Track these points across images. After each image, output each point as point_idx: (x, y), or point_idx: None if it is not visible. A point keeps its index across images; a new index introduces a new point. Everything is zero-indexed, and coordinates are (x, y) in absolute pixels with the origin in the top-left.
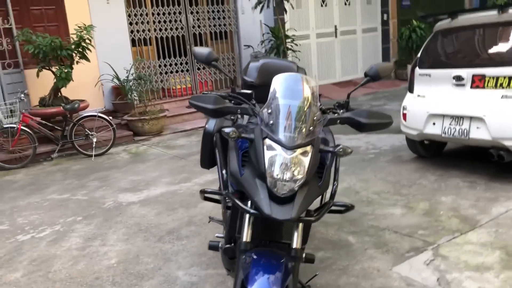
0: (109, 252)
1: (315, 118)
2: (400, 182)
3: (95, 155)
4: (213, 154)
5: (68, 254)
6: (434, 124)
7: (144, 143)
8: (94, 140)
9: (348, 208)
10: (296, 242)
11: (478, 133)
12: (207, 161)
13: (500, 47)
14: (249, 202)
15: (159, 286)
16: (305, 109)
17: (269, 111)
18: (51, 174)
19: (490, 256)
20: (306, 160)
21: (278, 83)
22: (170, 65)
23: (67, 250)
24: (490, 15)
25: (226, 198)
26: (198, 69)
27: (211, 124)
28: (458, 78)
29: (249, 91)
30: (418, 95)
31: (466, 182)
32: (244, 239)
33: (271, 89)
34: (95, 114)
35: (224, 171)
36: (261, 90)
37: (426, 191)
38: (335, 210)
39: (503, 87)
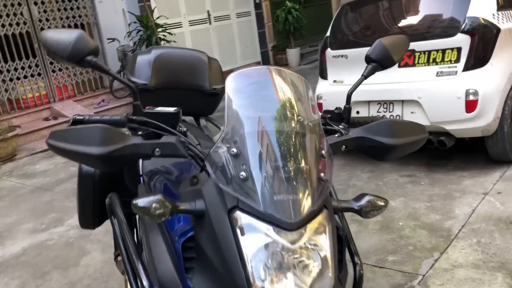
0: None
1: (320, 144)
2: None
3: None
4: (99, 206)
5: None
6: (358, 112)
7: None
8: None
9: None
10: None
11: (414, 119)
12: (91, 218)
13: (428, 16)
14: None
15: None
16: (297, 129)
17: (233, 149)
18: None
19: (494, 282)
20: (326, 245)
21: (235, 91)
22: (16, 69)
23: None
24: None
25: None
26: (54, 71)
27: None
28: None
29: (171, 109)
30: (335, 81)
31: (405, 177)
32: None
33: (226, 105)
34: None
35: (143, 276)
36: (159, 97)
37: None
38: None
39: (437, 63)
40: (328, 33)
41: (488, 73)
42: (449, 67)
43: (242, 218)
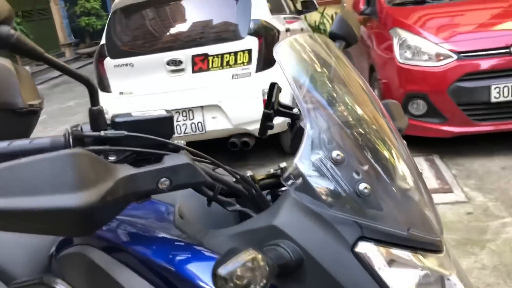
0: None
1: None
2: None
3: None
4: None
5: None
6: None
7: None
8: None
9: None
10: None
11: (216, 124)
12: None
13: (216, 20)
14: None
15: None
16: (384, 122)
17: (338, 154)
18: None
19: None
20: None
21: (301, 73)
22: None
23: None
24: None
25: None
26: None
27: None
28: (175, 63)
29: (159, 112)
30: (121, 93)
31: None
32: None
33: (298, 97)
34: None
35: None
36: None
37: None
38: None
39: (231, 66)
40: (103, 41)
41: (278, 72)
42: (242, 69)
43: (378, 251)
